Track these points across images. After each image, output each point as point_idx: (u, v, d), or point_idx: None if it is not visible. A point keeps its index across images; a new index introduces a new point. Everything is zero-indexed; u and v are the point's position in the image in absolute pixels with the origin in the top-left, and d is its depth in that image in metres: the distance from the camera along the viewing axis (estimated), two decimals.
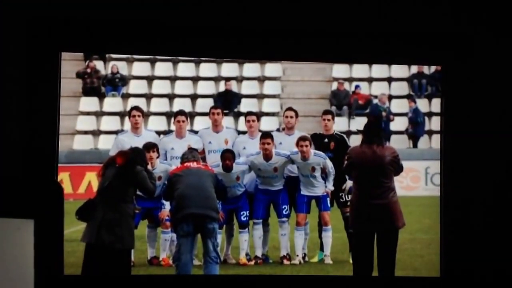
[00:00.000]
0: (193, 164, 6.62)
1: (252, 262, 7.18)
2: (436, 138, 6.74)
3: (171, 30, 6.33)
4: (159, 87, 9.23)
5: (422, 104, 9.01)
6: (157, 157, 6.98)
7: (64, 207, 2.89)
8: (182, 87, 9.25)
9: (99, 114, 9.05)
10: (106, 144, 8.25)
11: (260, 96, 9.45)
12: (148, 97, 9.21)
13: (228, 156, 7.04)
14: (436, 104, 6.78)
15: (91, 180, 7.81)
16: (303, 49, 6.49)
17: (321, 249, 7.30)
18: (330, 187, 7.23)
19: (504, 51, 6.56)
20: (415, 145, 9.03)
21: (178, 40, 6.41)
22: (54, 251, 2.81)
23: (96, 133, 9.06)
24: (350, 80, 9.34)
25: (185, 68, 9.16)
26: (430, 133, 8.61)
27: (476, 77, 6.50)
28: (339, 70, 9.22)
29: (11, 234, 2.79)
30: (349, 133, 8.24)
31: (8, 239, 2.79)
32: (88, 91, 8.61)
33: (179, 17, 6.33)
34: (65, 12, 6.14)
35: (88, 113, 9.01)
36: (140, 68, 9.01)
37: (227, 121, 7.92)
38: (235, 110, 8.94)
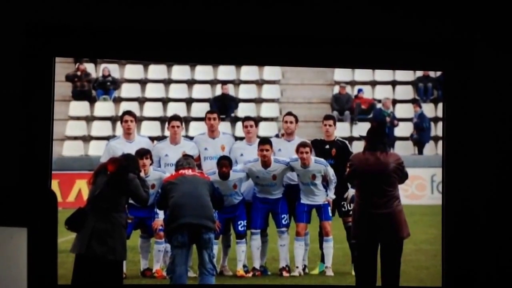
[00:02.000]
0: (188, 172, 6.65)
1: (250, 274, 7.19)
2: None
3: (168, 35, 6.41)
4: (153, 90, 9.24)
5: (428, 109, 9.04)
6: (151, 164, 7.01)
7: (57, 215, 2.93)
8: (177, 91, 9.26)
9: (89, 119, 9.07)
10: (97, 150, 8.24)
11: (258, 100, 9.47)
12: (141, 101, 9.23)
13: (224, 163, 7.07)
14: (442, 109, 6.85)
15: (81, 188, 7.83)
16: (305, 55, 6.57)
17: (322, 260, 7.33)
18: (332, 195, 7.27)
19: (503, 57, 6.67)
20: (420, 152, 9.05)
21: (174, 46, 6.47)
22: (48, 260, 2.84)
23: (87, 138, 9.08)
24: (352, 83, 9.37)
25: (180, 71, 9.17)
26: (436, 139, 8.63)
27: (477, 83, 6.60)
28: (341, 73, 9.24)
29: (3, 242, 2.81)
30: (351, 139, 8.25)
31: (1, 248, 2.82)
32: (78, 95, 8.63)
33: (177, 22, 6.40)
34: (61, 18, 6.20)
35: (78, 118, 9.03)
36: (133, 71, 9.01)
37: (223, 127, 7.95)
38: (232, 115, 8.96)
